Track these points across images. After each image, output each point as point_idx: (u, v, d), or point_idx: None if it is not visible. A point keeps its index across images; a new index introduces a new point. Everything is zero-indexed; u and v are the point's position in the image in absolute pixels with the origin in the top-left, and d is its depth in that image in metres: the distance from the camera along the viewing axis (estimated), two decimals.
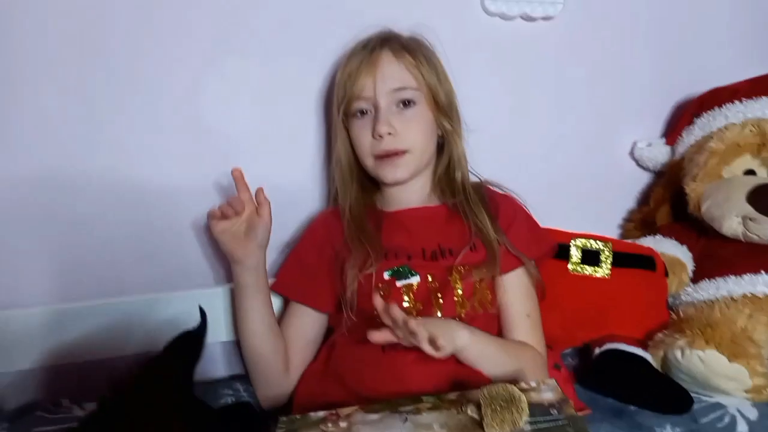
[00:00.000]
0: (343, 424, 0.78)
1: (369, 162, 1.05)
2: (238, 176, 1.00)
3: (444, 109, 1.07)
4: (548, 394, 0.81)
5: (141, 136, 1.08)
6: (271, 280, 1.07)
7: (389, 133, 1.00)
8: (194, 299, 0.95)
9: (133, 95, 1.06)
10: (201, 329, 0.76)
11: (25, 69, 1.01)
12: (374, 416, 0.79)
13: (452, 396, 0.82)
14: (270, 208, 1.00)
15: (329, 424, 0.78)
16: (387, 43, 1.04)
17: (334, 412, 0.81)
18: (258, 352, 1.02)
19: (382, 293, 0.97)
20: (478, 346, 0.92)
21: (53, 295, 1.06)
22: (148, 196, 1.10)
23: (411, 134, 1.02)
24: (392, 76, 1.01)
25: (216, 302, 1.09)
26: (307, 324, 1.06)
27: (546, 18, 1.25)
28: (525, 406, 0.74)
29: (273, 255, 1.16)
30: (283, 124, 1.16)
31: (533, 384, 0.83)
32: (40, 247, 1.05)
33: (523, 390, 0.81)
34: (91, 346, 1.08)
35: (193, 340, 0.72)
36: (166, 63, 1.07)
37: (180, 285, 1.11)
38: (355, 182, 1.08)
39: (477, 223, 1.04)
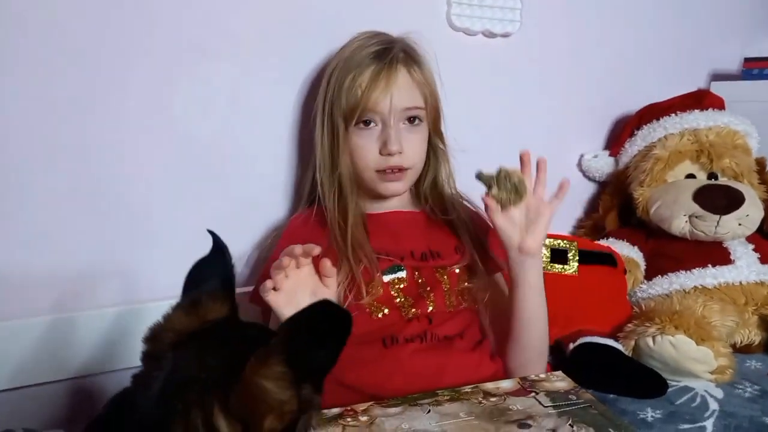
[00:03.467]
0: (363, 418, 0.76)
1: (369, 174, 1.03)
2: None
3: (438, 128, 1.10)
4: (561, 383, 0.84)
5: (112, 139, 1.02)
6: (246, 290, 1.03)
7: (399, 152, 1.00)
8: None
9: (104, 98, 1.00)
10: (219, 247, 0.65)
11: None
12: (394, 410, 0.78)
13: (468, 388, 0.83)
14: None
15: (348, 419, 0.76)
16: (402, 57, 1.02)
17: (349, 408, 0.79)
18: None
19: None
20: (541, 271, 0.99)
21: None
22: (117, 201, 1.04)
23: (415, 153, 1.04)
24: (406, 94, 1.01)
25: None
26: None
27: (505, 35, 1.32)
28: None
29: (239, 265, 1.14)
30: (255, 126, 1.13)
31: (542, 376, 0.86)
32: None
33: (534, 381, 0.84)
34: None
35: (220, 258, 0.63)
36: (138, 65, 1.02)
37: (148, 296, 1.04)
38: (355, 192, 1.05)
39: (464, 235, 1.07)
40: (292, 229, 1.09)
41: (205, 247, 0.65)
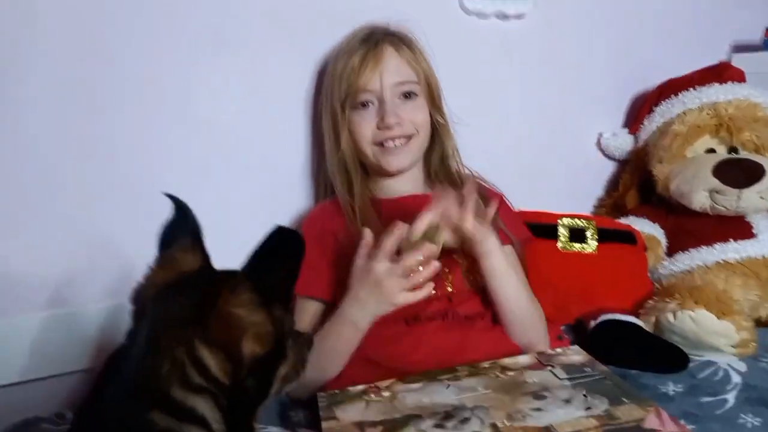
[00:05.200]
0: (386, 394, 0.79)
1: (369, 150, 1.08)
2: None
3: (437, 102, 1.13)
4: (576, 357, 0.86)
5: (137, 134, 1.05)
6: None
7: (397, 123, 1.04)
8: None
9: (124, 91, 1.04)
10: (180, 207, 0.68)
11: (19, 67, 0.97)
12: (415, 385, 0.81)
13: (486, 364, 0.85)
14: None
15: (372, 395, 0.79)
16: (388, 38, 1.08)
17: (372, 385, 0.82)
18: (327, 370, 0.96)
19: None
20: (504, 259, 0.98)
21: (47, 302, 1.02)
22: (139, 192, 1.07)
23: (415, 121, 1.07)
24: (396, 70, 1.06)
25: None
26: (318, 317, 1.05)
27: (518, 16, 1.32)
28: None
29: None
30: (273, 118, 1.16)
31: (559, 350, 0.88)
32: (35, 252, 1.01)
33: (550, 355, 0.86)
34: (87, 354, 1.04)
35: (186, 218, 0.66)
36: (159, 59, 1.06)
37: None
38: (359, 172, 1.10)
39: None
40: (311, 218, 1.13)
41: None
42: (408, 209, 1.09)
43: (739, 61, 1.51)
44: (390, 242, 0.87)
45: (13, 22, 0.96)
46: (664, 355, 1.06)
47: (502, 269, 0.98)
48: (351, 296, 0.92)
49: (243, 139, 1.14)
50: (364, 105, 1.06)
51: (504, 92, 1.38)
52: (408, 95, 1.07)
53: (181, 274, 0.61)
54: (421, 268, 0.87)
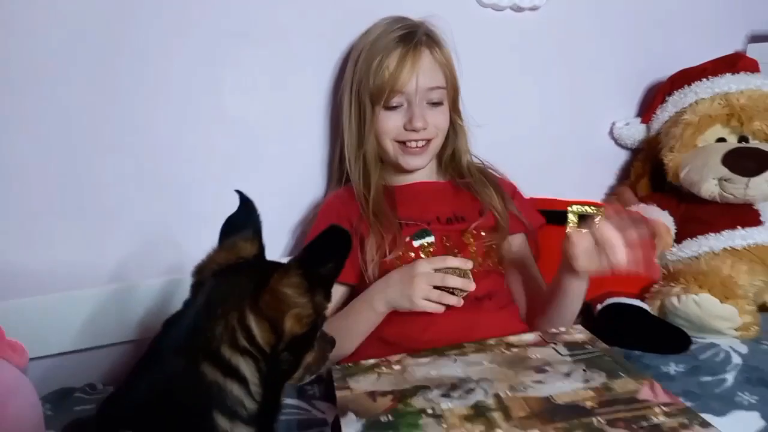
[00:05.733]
0: (396, 367, 0.85)
1: (391, 147, 1.12)
2: None
3: (457, 105, 1.18)
4: (579, 335, 0.91)
5: (166, 125, 1.12)
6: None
7: (423, 127, 1.09)
8: None
9: (159, 86, 1.11)
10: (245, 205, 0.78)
11: (49, 66, 1.04)
12: (424, 359, 0.86)
13: (492, 341, 0.91)
14: None
15: (383, 368, 0.85)
16: (425, 40, 1.10)
17: (384, 359, 0.87)
18: (344, 347, 1.02)
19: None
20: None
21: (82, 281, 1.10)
22: (172, 185, 1.15)
23: (438, 126, 1.12)
24: (429, 74, 1.09)
25: None
26: (336, 299, 1.11)
27: (533, 8, 1.36)
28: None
29: (285, 238, 1.25)
30: (296, 110, 1.22)
31: (562, 329, 0.93)
32: (73, 237, 1.09)
33: (554, 333, 0.91)
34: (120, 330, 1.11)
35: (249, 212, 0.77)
36: (186, 52, 1.12)
37: None
38: (378, 166, 1.15)
39: (486, 197, 1.15)
40: (328, 204, 1.19)
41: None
42: (419, 194, 1.16)
43: (754, 51, 1.52)
44: (448, 261, 0.96)
45: (46, 25, 1.03)
46: (668, 337, 1.10)
47: (581, 295, 1.03)
48: (384, 279, 1.00)
49: (265, 129, 1.20)
50: (393, 108, 1.10)
51: (518, 83, 1.41)
52: (435, 104, 1.11)
53: (239, 258, 0.71)
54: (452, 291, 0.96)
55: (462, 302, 0.96)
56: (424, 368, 0.84)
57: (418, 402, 0.75)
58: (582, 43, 1.45)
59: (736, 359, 1.05)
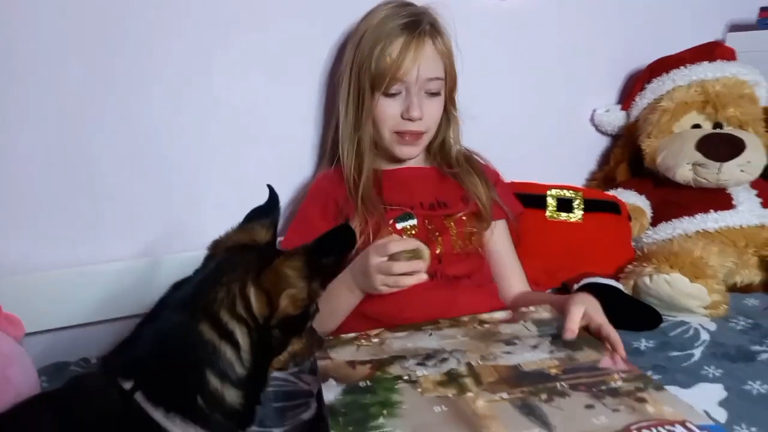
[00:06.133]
0: (375, 340, 0.89)
1: (387, 135, 1.14)
2: None
3: (453, 95, 1.20)
4: (546, 314, 0.95)
5: (162, 112, 1.16)
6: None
7: (419, 118, 1.10)
8: None
9: (153, 74, 1.14)
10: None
11: (47, 52, 1.07)
12: (401, 333, 0.91)
13: (465, 318, 0.95)
14: None
15: (362, 341, 0.89)
16: (431, 30, 1.11)
17: (363, 333, 0.92)
18: (327, 325, 1.05)
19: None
20: None
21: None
22: (163, 166, 1.19)
23: (433, 119, 1.15)
24: (431, 65, 1.11)
25: None
26: None
27: None
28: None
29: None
30: (287, 93, 1.25)
31: (532, 308, 0.97)
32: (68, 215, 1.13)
33: (524, 312, 0.95)
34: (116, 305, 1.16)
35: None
36: (177, 40, 1.15)
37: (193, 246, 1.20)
38: (371, 151, 1.16)
39: (471, 186, 1.18)
40: (317, 184, 1.21)
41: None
42: (406, 179, 1.19)
43: (733, 40, 1.56)
44: (392, 246, 0.94)
45: (42, 16, 1.05)
46: (640, 315, 1.14)
47: None
48: (351, 267, 1.01)
49: (257, 113, 1.24)
50: (393, 95, 1.11)
51: (501, 71, 1.44)
52: (433, 94, 1.13)
53: (252, 240, 0.77)
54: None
55: (424, 278, 0.94)
56: (401, 341, 0.88)
57: (395, 370, 0.79)
58: (564, 31, 1.48)
59: (704, 336, 1.10)
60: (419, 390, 0.74)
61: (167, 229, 1.20)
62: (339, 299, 1.04)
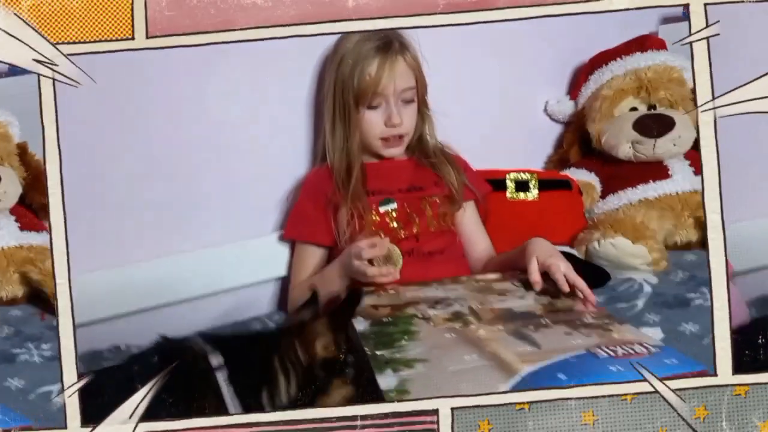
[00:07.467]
0: (392, 291, 1.17)
1: (374, 141, 1.34)
2: None
3: (424, 99, 1.40)
4: None
5: (170, 133, 1.34)
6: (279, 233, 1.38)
7: (400, 123, 1.31)
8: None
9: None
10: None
11: None
12: (412, 287, 1.18)
13: (464, 278, 1.23)
14: None
15: (381, 292, 1.16)
16: (400, 47, 1.31)
17: (381, 287, 1.18)
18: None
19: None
20: None
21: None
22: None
23: (410, 122, 1.35)
24: (405, 78, 1.31)
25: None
26: (318, 260, 1.34)
27: None
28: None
29: (275, 214, 1.44)
30: (279, 95, 1.42)
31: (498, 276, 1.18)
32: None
33: (488, 281, 1.16)
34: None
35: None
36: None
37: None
38: (360, 160, 1.35)
39: (445, 173, 1.38)
40: (308, 181, 1.40)
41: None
42: (387, 170, 1.38)
43: (664, 31, 1.75)
44: (365, 253, 1.17)
45: None
46: (592, 275, 1.30)
47: None
48: (340, 258, 1.24)
49: (249, 137, 1.40)
50: (374, 107, 1.31)
51: (459, 68, 1.58)
52: (408, 101, 1.33)
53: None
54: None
55: (396, 276, 1.19)
56: (412, 292, 1.12)
57: (410, 310, 1.06)
58: (519, 30, 1.61)
59: (647, 288, 1.28)
60: (432, 324, 0.99)
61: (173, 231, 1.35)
62: (332, 283, 1.23)
